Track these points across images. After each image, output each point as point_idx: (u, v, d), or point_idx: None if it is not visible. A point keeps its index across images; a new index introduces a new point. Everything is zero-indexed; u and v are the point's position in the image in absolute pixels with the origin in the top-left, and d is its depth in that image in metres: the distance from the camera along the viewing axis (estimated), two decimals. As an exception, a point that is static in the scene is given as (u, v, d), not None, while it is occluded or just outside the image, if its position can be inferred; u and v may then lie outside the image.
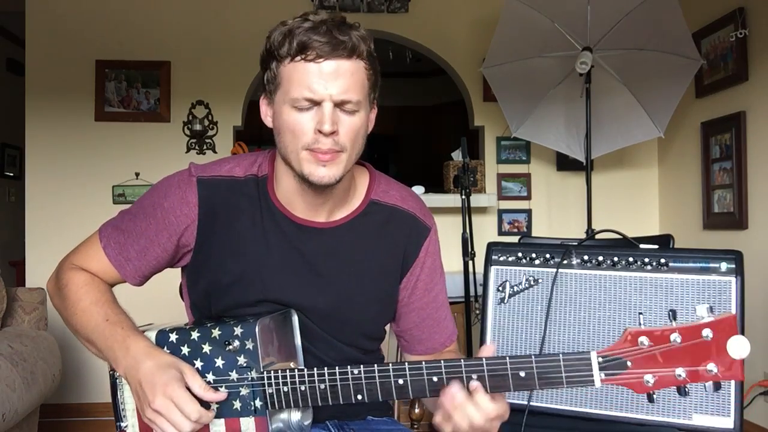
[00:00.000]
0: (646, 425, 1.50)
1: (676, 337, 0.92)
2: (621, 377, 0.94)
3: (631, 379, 0.94)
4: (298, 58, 1.07)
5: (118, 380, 1.16)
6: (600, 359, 0.95)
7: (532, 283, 1.64)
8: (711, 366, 0.92)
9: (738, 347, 0.91)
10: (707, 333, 0.91)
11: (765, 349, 2.76)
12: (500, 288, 1.66)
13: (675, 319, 0.94)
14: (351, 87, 1.08)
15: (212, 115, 3.55)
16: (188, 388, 1.05)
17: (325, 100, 1.07)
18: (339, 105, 1.08)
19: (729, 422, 1.45)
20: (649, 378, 0.94)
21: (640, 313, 0.96)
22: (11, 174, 5.39)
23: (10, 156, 5.36)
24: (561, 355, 0.97)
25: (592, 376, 0.95)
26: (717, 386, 0.94)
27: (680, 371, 0.93)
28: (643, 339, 0.93)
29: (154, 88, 3.49)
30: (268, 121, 1.17)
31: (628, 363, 0.94)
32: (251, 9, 3.54)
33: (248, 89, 3.58)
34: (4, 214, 5.26)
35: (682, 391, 0.95)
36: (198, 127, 3.50)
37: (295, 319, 1.20)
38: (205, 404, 1.06)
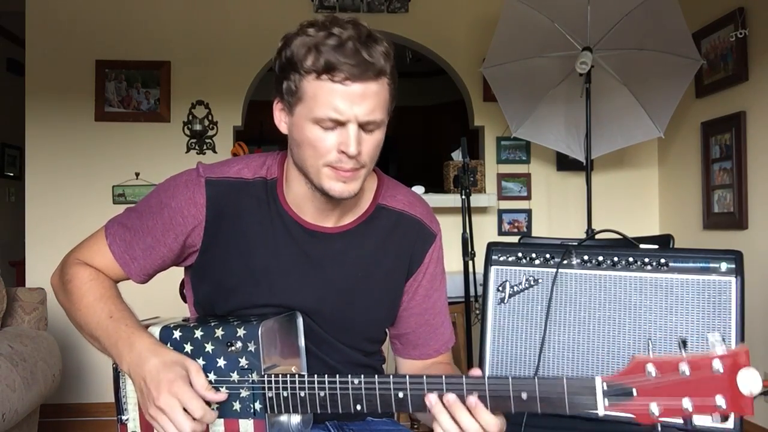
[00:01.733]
0: (645, 425, 1.50)
1: (684, 368, 0.89)
2: (626, 406, 0.92)
3: (636, 408, 0.91)
4: (325, 76, 1.05)
5: (121, 374, 1.15)
6: (605, 386, 0.93)
7: (532, 283, 1.64)
8: (720, 400, 0.88)
9: (749, 383, 0.87)
10: (717, 366, 0.88)
11: (765, 349, 2.77)
12: (500, 288, 1.66)
13: (685, 347, 0.91)
14: (376, 108, 1.08)
15: (212, 115, 3.55)
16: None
17: (350, 122, 1.06)
18: (362, 126, 1.08)
19: (729, 422, 1.45)
20: (655, 408, 0.91)
21: (649, 339, 0.93)
22: (11, 174, 5.39)
23: (10, 156, 5.36)
24: (565, 379, 0.95)
25: (595, 403, 0.93)
26: (725, 419, 0.92)
27: (687, 403, 0.90)
28: (651, 368, 0.90)
29: (154, 88, 3.49)
30: (282, 127, 1.16)
31: (634, 391, 0.91)
32: (251, 9, 3.55)
33: (248, 89, 3.58)
34: (4, 214, 5.26)
35: (688, 423, 0.92)
36: (198, 127, 3.50)
37: (300, 321, 1.19)
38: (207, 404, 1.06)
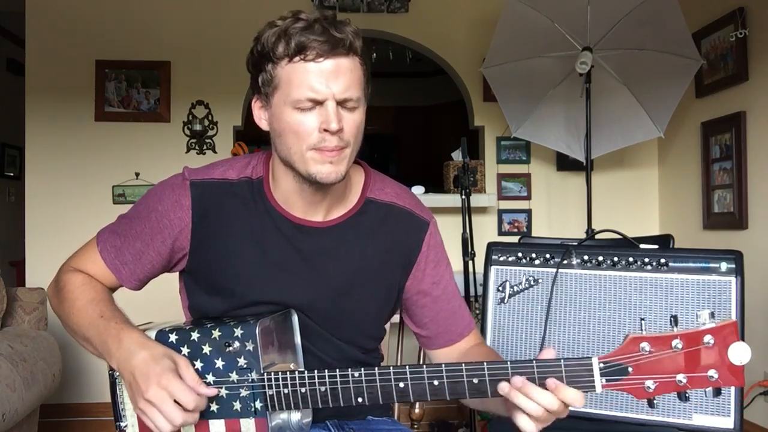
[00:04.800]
0: (647, 425, 1.50)
1: (677, 343, 0.92)
2: (622, 383, 0.95)
3: (632, 385, 0.94)
4: (297, 58, 1.07)
5: (117, 380, 1.15)
6: (601, 365, 0.95)
7: (532, 283, 1.64)
8: (712, 372, 0.92)
9: (739, 353, 0.91)
10: (708, 339, 0.92)
11: (765, 349, 2.77)
12: (500, 288, 1.67)
13: (676, 324, 0.94)
14: (351, 84, 1.09)
15: (212, 115, 3.55)
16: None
17: (328, 99, 1.07)
18: (341, 103, 1.09)
19: (729, 422, 1.45)
20: (650, 384, 0.94)
21: (642, 319, 0.96)
22: (11, 174, 5.39)
23: (10, 156, 5.36)
24: (562, 361, 0.97)
25: (593, 381, 0.95)
26: (717, 392, 0.94)
27: (681, 377, 0.93)
28: (645, 345, 0.93)
29: (154, 88, 3.49)
30: (263, 124, 1.17)
31: (630, 369, 0.94)
32: (251, 9, 3.55)
33: (248, 89, 3.57)
34: (4, 214, 5.26)
35: (682, 397, 0.95)
36: (198, 127, 3.50)
37: (295, 318, 1.20)
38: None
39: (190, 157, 3.49)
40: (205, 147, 3.54)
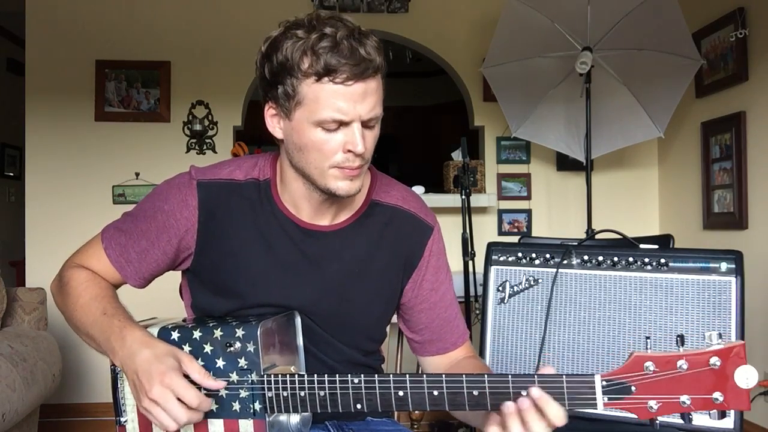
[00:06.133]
0: (647, 425, 1.50)
1: (682, 364, 0.91)
2: (624, 402, 0.93)
3: (635, 405, 0.93)
4: (326, 79, 1.05)
5: (119, 375, 1.15)
6: (604, 383, 0.94)
7: (532, 283, 1.64)
8: (717, 395, 0.90)
9: (746, 377, 0.89)
10: (715, 361, 0.90)
11: (765, 349, 2.77)
12: (500, 288, 1.67)
13: (683, 344, 0.93)
14: (376, 104, 1.09)
15: (212, 115, 3.55)
16: (186, 377, 1.04)
17: (354, 121, 1.07)
18: (365, 123, 1.09)
19: (729, 422, 1.45)
20: (653, 404, 0.92)
21: (648, 338, 0.95)
22: (11, 174, 5.40)
23: (10, 156, 5.36)
24: (564, 377, 0.95)
25: (595, 399, 0.94)
26: (722, 414, 0.93)
27: (685, 398, 0.91)
28: (649, 364, 0.92)
29: (154, 88, 3.49)
30: (277, 132, 1.15)
31: (633, 388, 0.93)
32: (251, 9, 3.55)
33: (248, 89, 3.58)
34: (4, 214, 5.26)
35: (686, 418, 0.93)
36: (198, 127, 3.50)
37: (298, 320, 1.20)
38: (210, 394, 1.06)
39: (190, 157, 3.49)
40: (205, 147, 3.54)
